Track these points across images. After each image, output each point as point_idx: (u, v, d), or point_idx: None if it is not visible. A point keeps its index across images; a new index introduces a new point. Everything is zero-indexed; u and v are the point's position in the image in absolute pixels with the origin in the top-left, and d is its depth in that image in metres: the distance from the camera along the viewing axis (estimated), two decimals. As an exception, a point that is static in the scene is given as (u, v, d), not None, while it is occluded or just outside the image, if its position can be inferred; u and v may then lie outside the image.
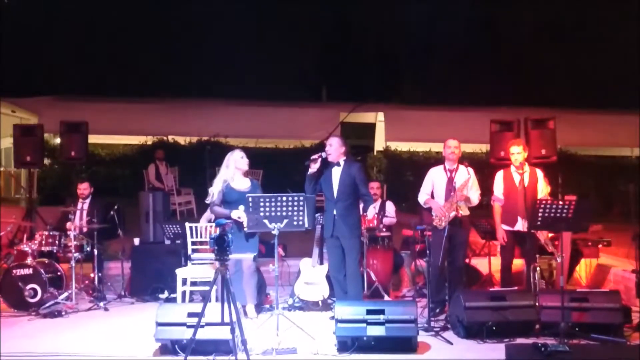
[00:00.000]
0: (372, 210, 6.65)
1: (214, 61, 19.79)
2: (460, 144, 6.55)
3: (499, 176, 6.78)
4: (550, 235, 6.72)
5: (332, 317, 5.70)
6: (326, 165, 6.32)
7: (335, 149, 6.30)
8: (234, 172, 6.37)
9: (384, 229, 7.60)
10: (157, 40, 20.04)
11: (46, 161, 12.54)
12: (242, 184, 6.41)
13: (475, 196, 6.46)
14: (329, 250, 6.46)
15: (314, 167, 6.21)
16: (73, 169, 10.30)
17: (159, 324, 5.22)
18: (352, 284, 6.23)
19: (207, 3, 19.86)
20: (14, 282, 6.80)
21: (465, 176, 6.35)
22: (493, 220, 6.88)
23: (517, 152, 6.56)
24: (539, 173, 6.71)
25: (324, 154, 6.25)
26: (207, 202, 6.50)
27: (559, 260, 6.11)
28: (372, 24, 22.14)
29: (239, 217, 6.17)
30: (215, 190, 6.35)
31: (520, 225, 6.54)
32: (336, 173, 6.31)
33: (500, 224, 6.70)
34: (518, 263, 7.05)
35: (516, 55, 20.34)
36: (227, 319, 4.65)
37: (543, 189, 6.66)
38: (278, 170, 12.84)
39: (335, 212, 6.25)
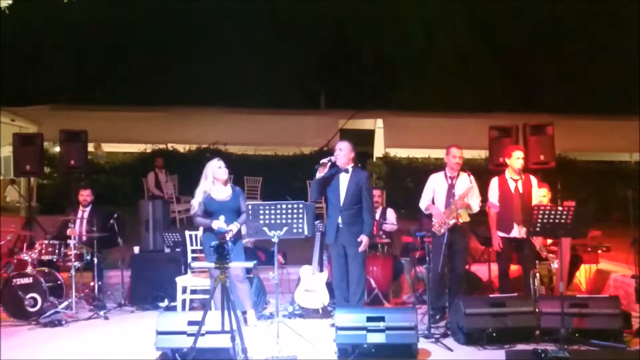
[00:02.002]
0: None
1: (213, 69, 19.84)
2: (462, 152, 6.57)
3: (494, 183, 6.79)
4: (550, 241, 6.72)
5: (332, 325, 5.70)
6: (334, 170, 6.24)
7: (344, 154, 6.22)
8: (212, 182, 6.32)
9: (384, 236, 7.61)
10: (156, 48, 20.08)
11: (46, 170, 12.56)
12: (223, 193, 6.32)
13: (475, 203, 6.47)
14: (333, 257, 6.37)
15: (322, 172, 6.13)
16: (73, 177, 10.30)
17: (159, 333, 5.22)
18: (354, 289, 6.18)
19: (205, 12, 19.92)
20: (14, 291, 6.79)
21: (468, 184, 6.36)
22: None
23: (521, 157, 6.60)
24: (533, 180, 6.74)
25: (333, 159, 6.18)
26: (190, 213, 6.48)
27: (554, 266, 6.14)
28: (370, 31, 22.20)
29: (218, 227, 6.10)
30: (195, 202, 6.29)
31: (516, 231, 6.54)
32: (344, 180, 6.22)
33: (495, 231, 6.71)
34: (517, 269, 7.05)
35: (514, 61, 20.40)
36: (227, 327, 4.65)
37: (537, 196, 6.69)
38: (277, 178, 12.87)
39: (340, 220, 6.17)
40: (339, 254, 6.25)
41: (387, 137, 14.17)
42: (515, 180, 6.59)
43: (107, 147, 14.76)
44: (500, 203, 6.65)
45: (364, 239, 6.14)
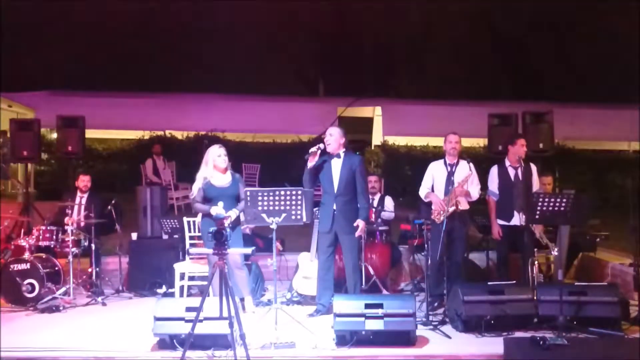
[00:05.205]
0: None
1: (211, 56, 19.76)
2: (460, 139, 6.55)
3: (494, 171, 6.78)
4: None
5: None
6: (325, 157, 6.19)
7: (335, 139, 6.16)
8: (212, 169, 6.28)
9: (382, 223, 7.59)
10: (154, 34, 19.98)
11: (43, 156, 12.51)
12: (222, 180, 6.25)
13: (475, 191, 6.45)
14: (320, 246, 6.30)
15: (312, 161, 6.07)
16: (70, 164, 10.26)
17: (157, 319, 5.22)
18: (351, 278, 6.18)
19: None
20: (11, 277, 6.78)
21: (467, 172, 6.34)
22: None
23: (525, 144, 6.59)
24: (533, 168, 6.73)
25: (322, 146, 6.11)
26: (190, 198, 6.44)
27: (553, 253, 6.12)
28: (369, 18, 22.10)
29: (217, 213, 6.07)
30: (195, 188, 6.26)
31: (517, 219, 6.53)
32: (336, 165, 6.16)
33: (495, 219, 6.70)
34: (515, 257, 7.05)
35: (514, 49, 20.34)
36: (225, 314, 4.65)
37: (537, 183, 6.69)
38: (275, 165, 12.85)
39: (335, 207, 6.10)
40: (328, 242, 6.17)
41: (386, 124, 14.17)
42: (515, 168, 6.58)
43: (105, 134, 14.71)
44: (500, 191, 6.64)
45: (360, 223, 6.09)
